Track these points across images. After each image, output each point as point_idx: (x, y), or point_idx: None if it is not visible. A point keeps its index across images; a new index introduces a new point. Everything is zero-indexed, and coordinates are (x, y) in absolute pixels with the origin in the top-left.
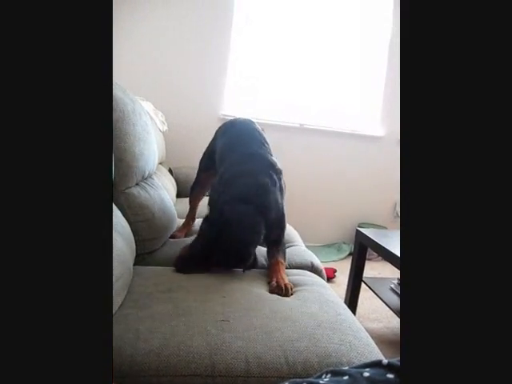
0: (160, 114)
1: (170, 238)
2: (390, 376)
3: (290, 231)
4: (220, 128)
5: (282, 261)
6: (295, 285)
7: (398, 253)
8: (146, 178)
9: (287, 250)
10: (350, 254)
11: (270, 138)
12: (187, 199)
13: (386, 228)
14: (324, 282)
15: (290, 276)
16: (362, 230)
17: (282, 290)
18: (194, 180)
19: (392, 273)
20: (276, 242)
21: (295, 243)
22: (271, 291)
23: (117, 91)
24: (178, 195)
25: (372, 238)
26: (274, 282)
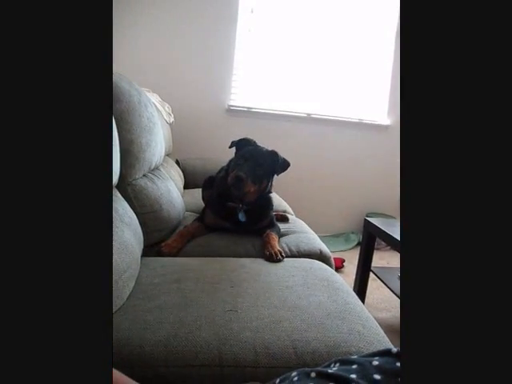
0: (167, 105)
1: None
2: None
3: (298, 221)
4: None
5: (272, 234)
6: (304, 271)
7: None
8: (153, 170)
9: (295, 238)
10: (358, 244)
11: (277, 127)
12: (194, 190)
13: (394, 217)
14: (333, 270)
15: (297, 264)
16: (370, 219)
17: (273, 256)
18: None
19: None
20: (268, 226)
21: (304, 231)
22: (266, 259)
23: (123, 83)
24: (186, 186)
25: (380, 227)
26: (266, 252)
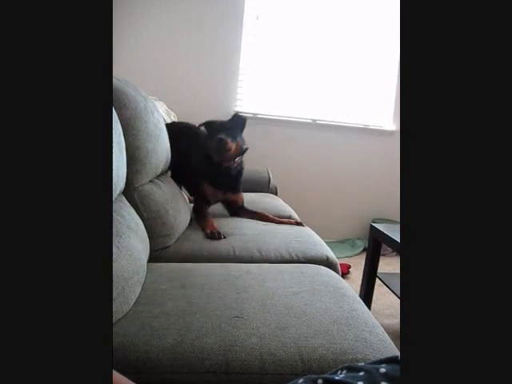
0: (173, 114)
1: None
2: None
3: (305, 228)
4: None
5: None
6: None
7: None
8: (159, 175)
9: (302, 243)
10: (364, 250)
11: (283, 133)
12: None
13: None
14: (339, 277)
15: (303, 270)
16: (376, 225)
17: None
18: None
19: None
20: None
21: (311, 237)
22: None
23: (129, 89)
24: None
25: (386, 233)
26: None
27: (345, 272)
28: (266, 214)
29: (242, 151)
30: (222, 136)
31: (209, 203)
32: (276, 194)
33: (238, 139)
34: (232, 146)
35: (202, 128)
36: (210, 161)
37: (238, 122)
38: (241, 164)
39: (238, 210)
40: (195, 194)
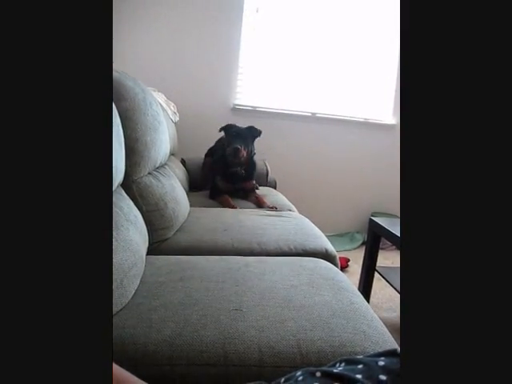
0: (172, 104)
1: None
2: None
3: (304, 220)
4: None
5: (260, 196)
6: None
7: None
8: (158, 168)
9: (301, 236)
10: (363, 244)
11: (282, 127)
12: (199, 193)
13: (399, 217)
14: (338, 270)
15: (303, 263)
16: (375, 219)
17: (269, 208)
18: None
19: None
20: (253, 188)
21: (310, 230)
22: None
23: (127, 81)
24: (191, 186)
25: (385, 227)
26: (264, 206)
27: (344, 265)
28: (263, 199)
29: (251, 157)
30: (237, 146)
31: (222, 192)
32: (275, 187)
33: (250, 147)
34: (244, 153)
35: (222, 132)
36: (225, 160)
37: (253, 132)
38: (251, 160)
39: (248, 193)
40: (212, 183)
